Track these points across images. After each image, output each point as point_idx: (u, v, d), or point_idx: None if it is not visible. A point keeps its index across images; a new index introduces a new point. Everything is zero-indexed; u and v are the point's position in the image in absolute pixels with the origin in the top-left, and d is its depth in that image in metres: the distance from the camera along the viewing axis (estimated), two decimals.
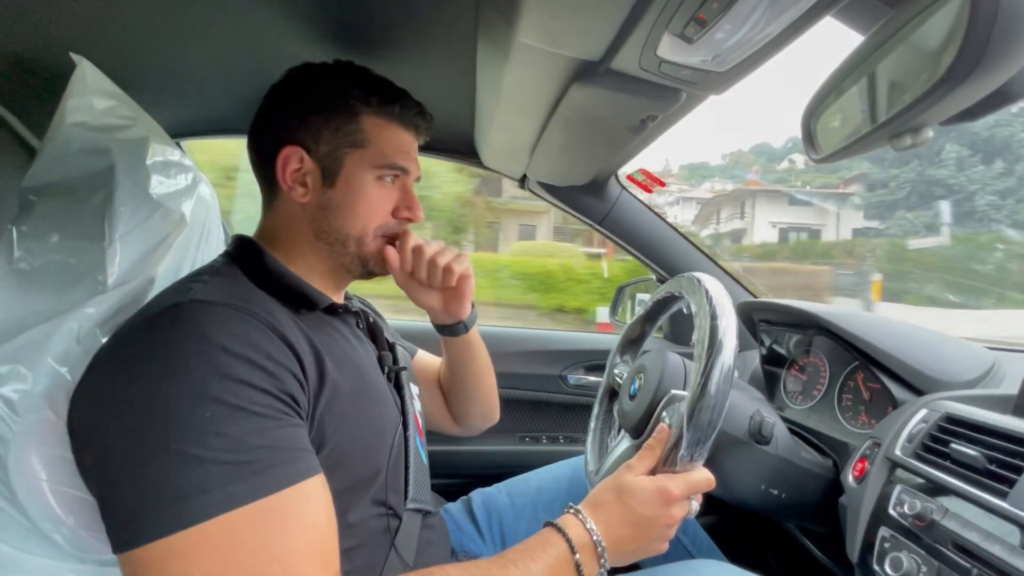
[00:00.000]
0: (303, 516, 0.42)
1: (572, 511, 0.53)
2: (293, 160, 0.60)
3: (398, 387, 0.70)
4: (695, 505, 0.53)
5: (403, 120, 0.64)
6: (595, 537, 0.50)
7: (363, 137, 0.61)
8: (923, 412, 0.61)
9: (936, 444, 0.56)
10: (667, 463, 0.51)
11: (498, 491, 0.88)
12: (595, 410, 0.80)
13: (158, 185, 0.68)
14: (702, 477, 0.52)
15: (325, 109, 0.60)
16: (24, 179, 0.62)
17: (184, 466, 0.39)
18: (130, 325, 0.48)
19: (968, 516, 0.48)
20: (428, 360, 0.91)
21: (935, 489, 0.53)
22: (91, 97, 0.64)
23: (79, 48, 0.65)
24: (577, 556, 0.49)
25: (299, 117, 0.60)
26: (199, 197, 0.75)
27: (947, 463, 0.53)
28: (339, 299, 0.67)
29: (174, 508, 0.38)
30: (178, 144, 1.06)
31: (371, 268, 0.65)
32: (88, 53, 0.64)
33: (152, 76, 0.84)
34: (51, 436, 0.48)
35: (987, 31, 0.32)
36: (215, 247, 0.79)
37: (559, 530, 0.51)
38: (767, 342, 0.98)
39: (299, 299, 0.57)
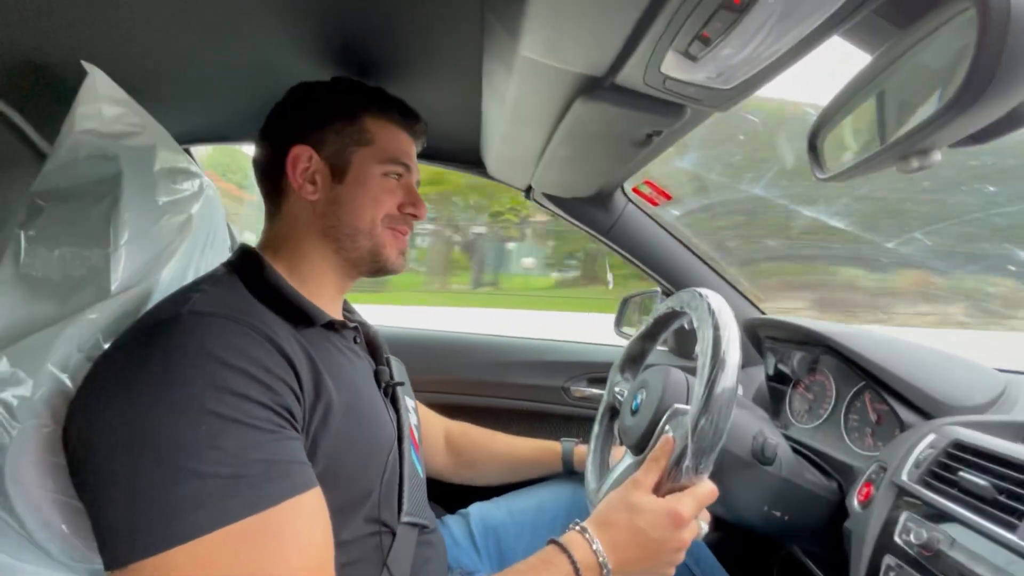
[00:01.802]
0: (299, 530, 0.42)
1: (578, 529, 0.51)
2: (303, 159, 0.62)
3: (394, 401, 0.69)
4: (704, 527, 0.52)
5: (403, 123, 0.68)
6: (601, 559, 0.48)
7: (367, 136, 0.64)
8: (931, 437, 0.59)
9: (944, 471, 0.54)
10: (672, 475, 0.50)
11: (497, 506, 0.87)
12: (595, 429, 0.78)
13: (165, 192, 0.69)
14: (707, 489, 0.51)
15: (328, 114, 0.64)
16: (33, 184, 0.63)
17: (180, 480, 0.39)
18: (127, 337, 0.48)
19: (976, 548, 0.46)
20: (429, 418, 0.93)
21: (942, 518, 0.51)
22: (101, 104, 0.65)
23: (90, 55, 0.66)
24: None
25: (305, 123, 0.63)
26: (205, 203, 0.75)
27: (955, 491, 0.51)
28: (337, 311, 0.67)
29: (169, 523, 0.38)
30: (186, 150, 1.07)
31: (381, 261, 0.66)
32: (99, 60, 0.65)
33: (161, 83, 0.85)
34: (48, 444, 0.47)
35: (996, 56, 0.32)
36: (220, 254, 0.79)
37: (563, 550, 0.49)
38: (773, 359, 0.96)
39: (297, 314, 0.57)
